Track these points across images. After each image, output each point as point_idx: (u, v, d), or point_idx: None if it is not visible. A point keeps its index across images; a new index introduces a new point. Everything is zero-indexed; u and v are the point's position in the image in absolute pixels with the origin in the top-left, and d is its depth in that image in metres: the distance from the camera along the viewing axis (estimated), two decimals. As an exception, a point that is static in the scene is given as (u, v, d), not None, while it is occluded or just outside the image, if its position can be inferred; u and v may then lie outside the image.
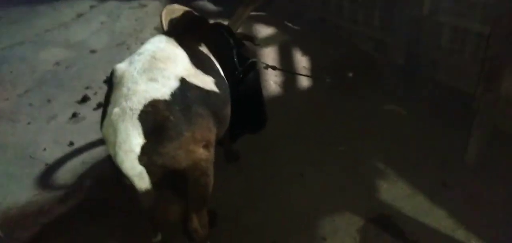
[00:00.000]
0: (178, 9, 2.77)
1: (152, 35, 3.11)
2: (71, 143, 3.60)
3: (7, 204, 2.91)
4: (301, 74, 4.58)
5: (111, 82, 1.86)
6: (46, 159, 3.40)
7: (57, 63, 5.25)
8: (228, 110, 2.24)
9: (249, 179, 3.07)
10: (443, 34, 3.78)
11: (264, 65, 3.47)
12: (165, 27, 2.57)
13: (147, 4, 7.27)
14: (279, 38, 5.37)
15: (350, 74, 4.67)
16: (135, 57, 1.90)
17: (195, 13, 2.84)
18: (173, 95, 1.74)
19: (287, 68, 4.70)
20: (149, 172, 1.64)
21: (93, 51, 5.59)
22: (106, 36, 6.12)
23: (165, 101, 1.70)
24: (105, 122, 1.73)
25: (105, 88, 4.03)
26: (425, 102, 3.87)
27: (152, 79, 1.75)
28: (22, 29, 6.35)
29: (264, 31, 5.51)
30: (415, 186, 2.91)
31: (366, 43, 4.94)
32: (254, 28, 5.51)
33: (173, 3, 2.95)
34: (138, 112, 1.62)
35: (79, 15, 7.00)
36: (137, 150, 1.59)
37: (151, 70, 1.79)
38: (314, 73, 4.68)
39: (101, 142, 3.49)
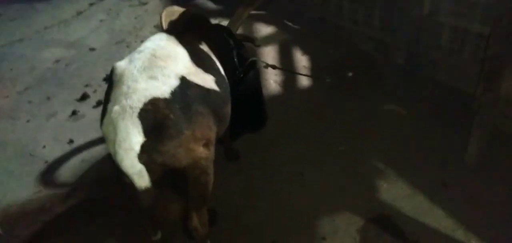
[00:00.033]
0: (177, 11, 2.76)
1: (152, 33, 3.11)
2: (71, 141, 3.60)
3: (7, 202, 2.91)
4: (301, 74, 4.57)
5: (111, 80, 1.85)
6: (45, 157, 3.40)
7: (57, 61, 5.25)
8: (228, 109, 2.24)
9: (249, 178, 3.07)
10: (443, 34, 3.78)
11: (264, 64, 3.46)
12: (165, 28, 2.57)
13: (147, 2, 7.25)
14: (279, 37, 5.36)
15: (350, 74, 4.67)
16: (135, 55, 1.89)
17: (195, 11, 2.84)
18: (173, 93, 1.73)
19: (287, 67, 4.70)
20: (149, 170, 1.64)
21: (92, 49, 5.58)
22: (105, 34, 6.11)
23: (165, 99, 1.69)
24: (105, 120, 1.73)
25: (104, 86, 4.04)
26: (425, 102, 3.87)
27: (152, 77, 1.75)
28: (22, 27, 6.35)
29: (264, 30, 5.50)
30: (415, 186, 2.91)
31: (366, 43, 4.93)
32: (254, 27, 5.50)
33: (173, 2, 2.95)
34: (138, 110, 1.62)
35: (79, 13, 6.98)
36: (137, 148, 1.59)
37: (151, 68, 1.79)
38: (314, 73, 4.68)
39: (101, 140, 3.48)
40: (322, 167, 3.16)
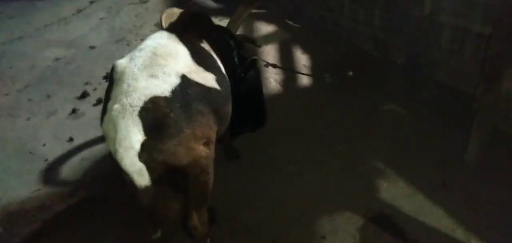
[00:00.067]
0: (177, 13, 2.76)
1: (152, 32, 3.10)
2: (71, 139, 3.60)
3: (7, 200, 2.91)
4: (301, 73, 4.57)
5: (112, 78, 1.85)
6: (45, 155, 3.40)
7: (57, 59, 5.24)
8: (229, 108, 2.24)
9: (249, 177, 3.07)
10: (443, 34, 3.77)
11: (265, 63, 3.46)
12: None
13: (147, 0, 7.24)
14: (280, 36, 5.36)
15: (350, 73, 4.67)
16: (136, 53, 1.89)
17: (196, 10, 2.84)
18: (174, 91, 1.73)
19: (287, 66, 4.70)
20: (149, 168, 1.64)
21: (92, 47, 5.57)
22: (105, 32, 6.10)
23: (165, 97, 1.69)
24: (105, 118, 1.72)
25: (104, 84, 4.04)
26: (425, 102, 3.87)
27: (153, 76, 1.75)
28: (22, 24, 6.34)
29: (264, 29, 5.49)
30: (415, 185, 2.91)
31: (366, 42, 4.93)
32: (254, 26, 5.50)
33: (173, 2, 2.94)
34: (138, 108, 1.62)
35: (79, 11, 6.97)
36: (137, 146, 1.59)
37: (152, 66, 1.79)
38: (314, 72, 4.68)
39: (101, 138, 3.48)
40: (322, 166, 3.16)
